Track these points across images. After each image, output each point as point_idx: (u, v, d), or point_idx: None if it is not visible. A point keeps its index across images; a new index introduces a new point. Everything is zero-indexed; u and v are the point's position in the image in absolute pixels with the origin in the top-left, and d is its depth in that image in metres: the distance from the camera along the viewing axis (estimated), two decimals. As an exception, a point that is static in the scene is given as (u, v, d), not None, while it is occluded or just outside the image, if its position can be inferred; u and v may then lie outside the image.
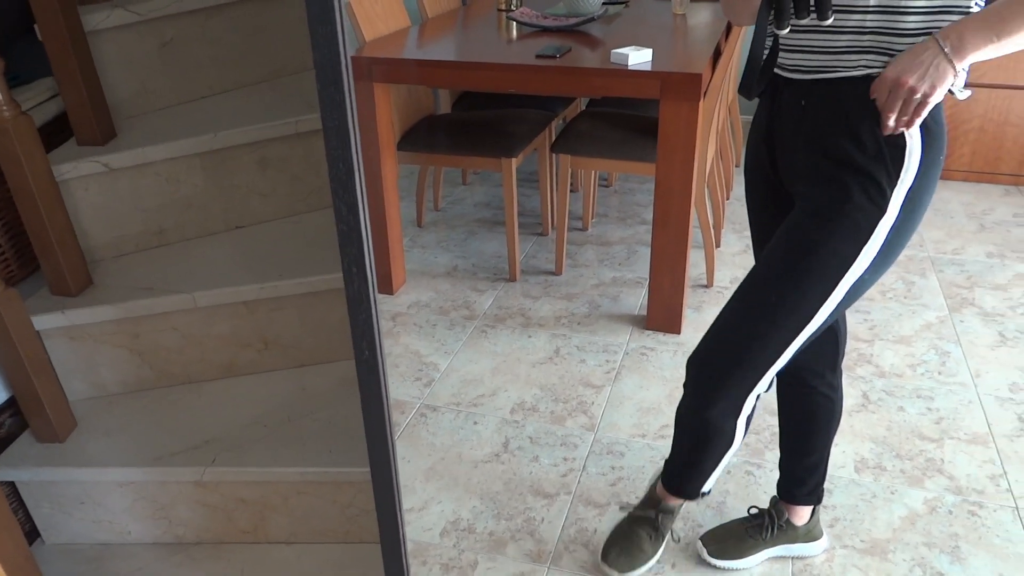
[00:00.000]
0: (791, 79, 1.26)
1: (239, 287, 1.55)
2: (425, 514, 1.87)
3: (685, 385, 1.46)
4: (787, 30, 1.08)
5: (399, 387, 2.33)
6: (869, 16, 1.15)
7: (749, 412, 1.45)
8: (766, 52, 1.26)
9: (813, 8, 1.05)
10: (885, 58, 1.16)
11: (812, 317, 1.27)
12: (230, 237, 1.74)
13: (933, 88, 1.10)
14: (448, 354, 2.50)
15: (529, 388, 2.32)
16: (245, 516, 1.52)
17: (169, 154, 1.61)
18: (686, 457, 1.56)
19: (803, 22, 1.06)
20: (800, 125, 1.27)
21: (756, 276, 1.32)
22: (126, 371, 1.59)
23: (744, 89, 1.25)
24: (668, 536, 1.73)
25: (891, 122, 1.14)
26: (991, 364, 2.40)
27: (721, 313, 1.38)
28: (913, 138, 1.17)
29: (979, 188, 3.74)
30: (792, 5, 1.04)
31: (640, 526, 1.69)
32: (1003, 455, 2.02)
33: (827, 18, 1.05)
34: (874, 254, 1.23)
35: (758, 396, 1.41)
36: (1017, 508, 1.86)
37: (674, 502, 1.68)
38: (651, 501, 1.70)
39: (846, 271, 1.23)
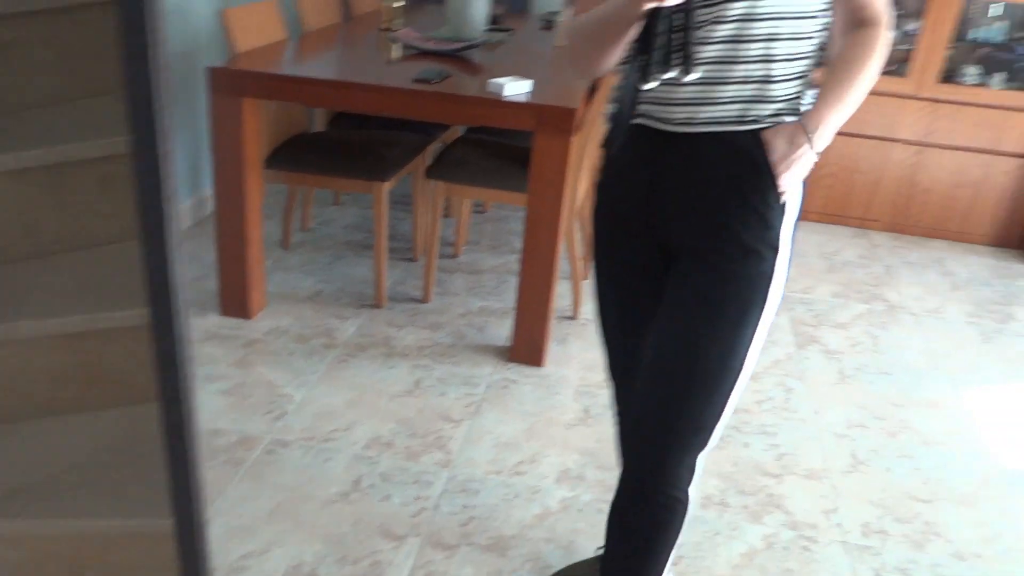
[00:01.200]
0: (678, 133, 1.23)
1: (66, 317, 1.44)
2: (266, 559, 1.78)
3: (630, 477, 1.33)
4: (653, 85, 1.09)
5: (248, 420, 2.23)
6: (753, 66, 1.17)
7: None
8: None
9: (679, 62, 1.06)
10: (768, 106, 1.20)
11: (745, 360, 1.28)
12: (63, 260, 1.62)
13: (797, 185, 1.23)
14: (304, 385, 2.42)
15: (386, 422, 2.28)
16: (59, 574, 1.40)
17: (-10, 171, 1.47)
18: (644, 558, 1.38)
19: (667, 77, 1.07)
20: (694, 181, 1.24)
21: (683, 336, 1.27)
22: (-75, 411, 1.44)
23: (609, 143, 1.23)
24: None
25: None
26: (830, 400, 2.53)
27: (655, 385, 1.29)
28: None
29: (831, 229, 3.97)
30: (659, 61, 1.05)
31: None
32: (836, 490, 2.13)
33: (691, 74, 1.06)
34: (780, 290, 1.29)
35: None
36: (846, 542, 1.96)
37: None
38: None
39: (763, 312, 1.27)
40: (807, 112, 1.21)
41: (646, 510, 1.33)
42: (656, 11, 1.01)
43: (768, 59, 1.17)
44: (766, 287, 1.25)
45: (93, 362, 1.52)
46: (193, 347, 2.56)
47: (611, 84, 2.64)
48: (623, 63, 1.25)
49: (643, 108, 1.25)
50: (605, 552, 1.44)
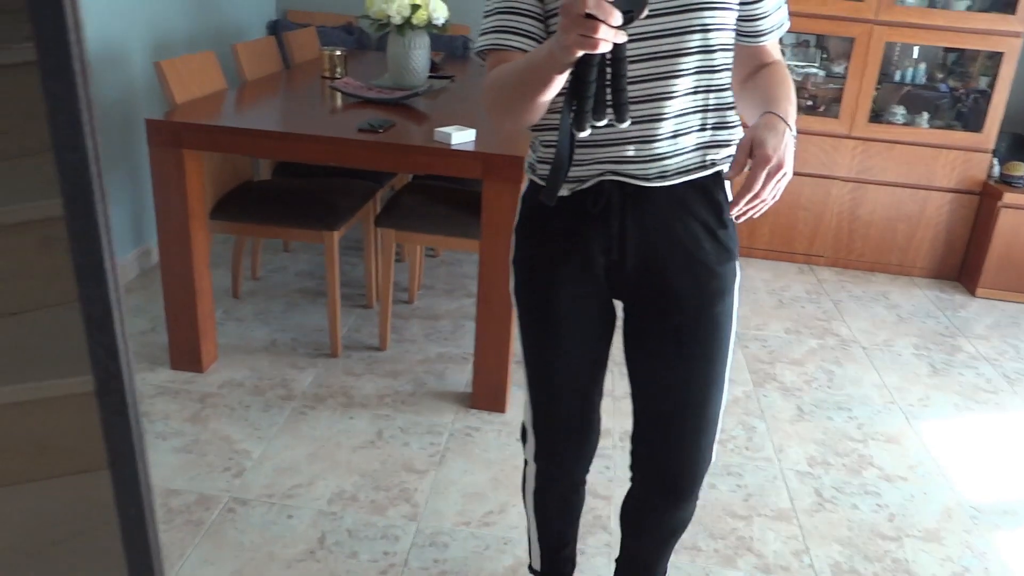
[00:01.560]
0: (646, 188, 1.24)
1: (9, 386, 1.36)
2: (229, 628, 1.70)
3: (668, 488, 1.43)
4: (588, 132, 1.08)
5: (205, 479, 2.14)
6: (709, 114, 1.23)
7: None
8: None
9: (610, 109, 1.05)
10: (724, 151, 1.26)
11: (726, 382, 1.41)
12: (4, 325, 1.54)
13: (791, 165, 1.15)
14: (262, 440, 2.33)
15: (349, 475, 2.21)
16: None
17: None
18: (668, 549, 1.60)
19: (600, 124, 1.07)
20: (671, 228, 1.26)
21: (689, 380, 1.34)
22: None
23: (549, 195, 1.15)
24: None
25: (754, 207, 1.14)
26: (792, 438, 2.55)
27: (676, 421, 1.36)
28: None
29: (777, 266, 4.05)
30: (591, 108, 1.04)
31: None
32: (804, 530, 2.14)
33: (625, 121, 1.06)
34: (737, 308, 1.38)
35: None
36: (818, 582, 1.96)
37: None
38: None
39: (732, 335, 1.37)
40: (766, 110, 1.19)
41: (680, 512, 1.49)
42: (586, 59, 1.00)
43: (724, 106, 1.25)
44: (734, 311, 1.37)
45: (42, 431, 1.43)
46: (144, 403, 2.46)
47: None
48: (550, 112, 1.26)
49: (609, 167, 1.24)
50: (625, 550, 1.62)
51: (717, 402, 1.37)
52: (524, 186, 1.40)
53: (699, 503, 2.20)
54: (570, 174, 1.27)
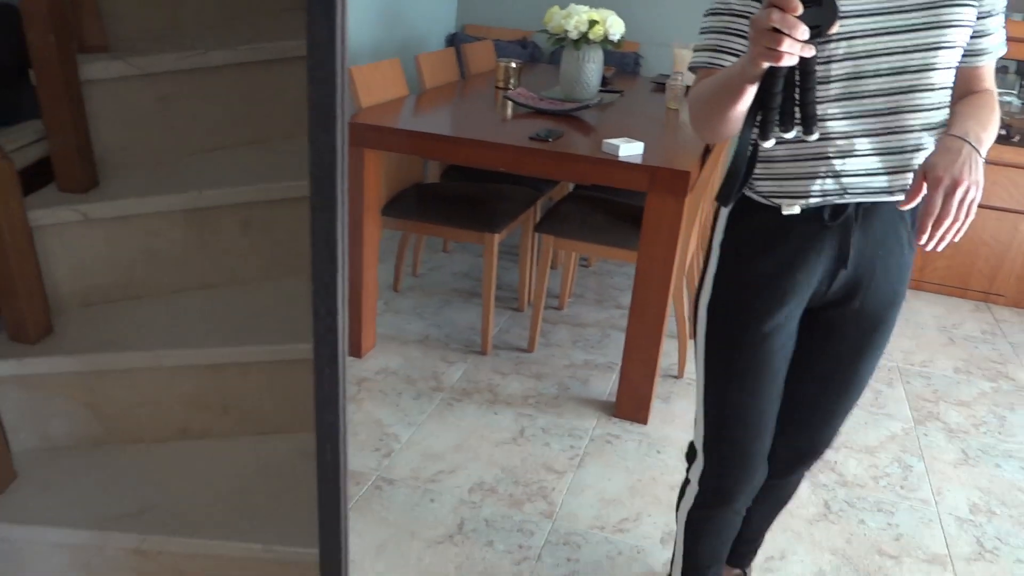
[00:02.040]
0: (875, 203, 1.27)
1: (207, 349, 1.52)
2: (371, 595, 1.81)
3: (793, 460, 1.55)
4: (772, 143, 1.09)
5: (357, 456, 2.29)
6: (914, 135, 1.22)
7: None
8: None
9: (799, 121, 1.06)
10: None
11: None
12: (205, 296, 1.72)
13: (979, 184, 1.11)
14: (411, 425, 2.46)
15: (490, 468, 2.29)
16: (186, 587, 1.46)
17: (149, 209, 1.60)
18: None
19: (788, 136, 1.07)
20: (880, 245, 1.30)
21: (853, 379, 1.44)
22: (77, 425, 1.55)
23: (723, 198, 1.23)
24: None
25: (945, 231, 1.13)
26: (953, 482, 2.40)
27: (831, 405, 1.47)
28: None
29: (950, 301, 3.81)
30: (778, 118, 1.05)
31: None
32: (960, 579, 2.01)
33: (812, 133, 1.06)
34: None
35: None
36: (971, 636, 1.84)
37: None
38: None
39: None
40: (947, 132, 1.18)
41: (800, 478, 1.64)
42: (774, 71, 1.02)
43: (932, 127, 1.23)
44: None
45: (228, 392, 1.60)
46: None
47: (725, 147, 2.64)
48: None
49: (845, 181, 1.24)
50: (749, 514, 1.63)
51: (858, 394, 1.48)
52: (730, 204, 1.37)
53: (845, 536, 2.11)
54: (805, 188, 1.27)
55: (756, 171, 1.31)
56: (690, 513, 1.57)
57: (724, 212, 1.38)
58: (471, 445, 2.39)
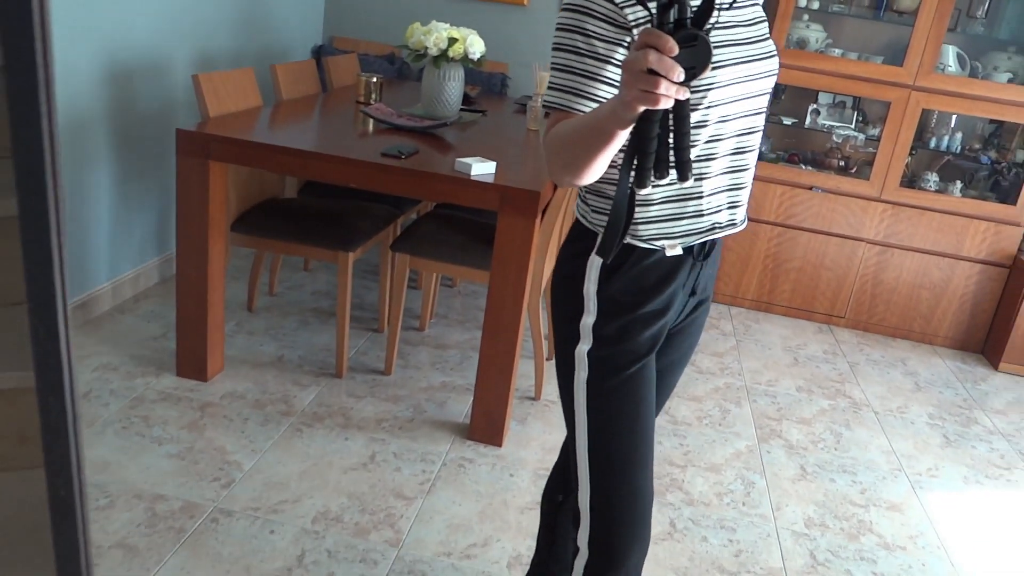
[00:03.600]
0: (716, 239, 1.35)
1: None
2: (195, 637, 1.69)
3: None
4: (648, 189, 1.07)
5: (193, 487, 2.15)
6: (745, 174, 1.31)
7: None
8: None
9: (673, 166, 1.04)
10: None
11: None
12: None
13: None
14: (255, 452, 2.34)
15: (337, 496, 2.20)
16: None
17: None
18: None
19: (663, 182, 1.05)
20: (712, 266, 1.40)
21: (669, 392, 1.53)
22: None
23: (605, 252, 1.14)
24: None
25: None
26: (791, 497, 2.50)
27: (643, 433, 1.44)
28: None
29: (796, 323, 4.00)
30: (652, 165, 1.02)
31: None
32: (794, 592, 2.08)
33: (687, 178, 1.04)
34: None
35: None
36: (802, 648, 1.90)
37: None
38: None
39: None
40: None
41: None
42: (648, 115, 0.99)
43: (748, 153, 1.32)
44: None
45: (25, 421, 1.45)
46: (144, 407, 2.48)
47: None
48: (609, 168, 1.26)
49: (712, 219, 1.30)
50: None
51: None
52: (581, 244, 1.35)
53: (688, 554, 2.15)
54: (683, 228, 1.29)
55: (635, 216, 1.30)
56: None
57: (593, 260, 1.32)
58: (318, 472, 2.29)
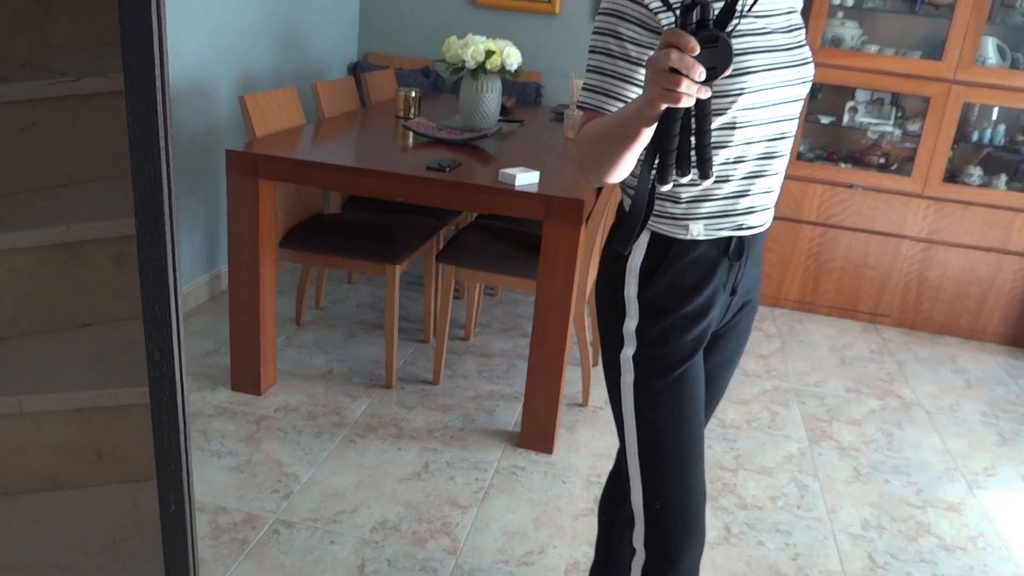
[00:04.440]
0: (754, 235, 1.35)
1: (73, 392, 1.43)
2: (265, 646, 1.73)
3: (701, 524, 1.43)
4: (670, 186, 1.10)
5: (254, 499, 2.20)
6: (774, 179, 1.33)
7: None
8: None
9: (695, 164, 1.06)
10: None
11: None
12: (76, 335, 1.62)
13: None
14: (312, 464, 2.38)
15: (393, 505, 2.23)
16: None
17: (14, 244, 1.50)
18: None
19: (684, 180, 1.07)
20: (755, 267, 1.42)
21: (720, 394, 1.53)
22: (-67, 480, 1.42)
23: (622, 243, 1.16)
24: None
25: None
26: (846, 499, 2.48)
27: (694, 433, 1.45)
28: None
29: (840, 323, 3.97)
30: (674, 162, 1.04)
31: None
32: (854, 594, 2.06)
33: (709, 177, 1.06)
34: None
35: None
36: (865, 650, 1.88)
37: None
38: None
39: None
40: None
41: None
42: (671, 113, 1.01)
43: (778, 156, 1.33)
44: None
45: (99, 438, 1.50)
46: (202, 422, 2.54)
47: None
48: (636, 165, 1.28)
49: (742, 219, 1.31)
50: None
51: None
52: (640, 237, 1.35)
53: (745, 558, 2.15)
54: (709, 231, 1.31)
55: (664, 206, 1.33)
56: None
57: (632, 264, 1.34)
58: (374, 482, 2.33)
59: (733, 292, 1.37)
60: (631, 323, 1.35)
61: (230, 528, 2.07)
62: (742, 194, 1.29)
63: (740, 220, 1.31)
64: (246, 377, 2.72)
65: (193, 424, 2.52)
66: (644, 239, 1.33)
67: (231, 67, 3.42)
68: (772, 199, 1.34)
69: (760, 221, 1.34)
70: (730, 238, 1.31)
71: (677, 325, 1.33)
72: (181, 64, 3.07)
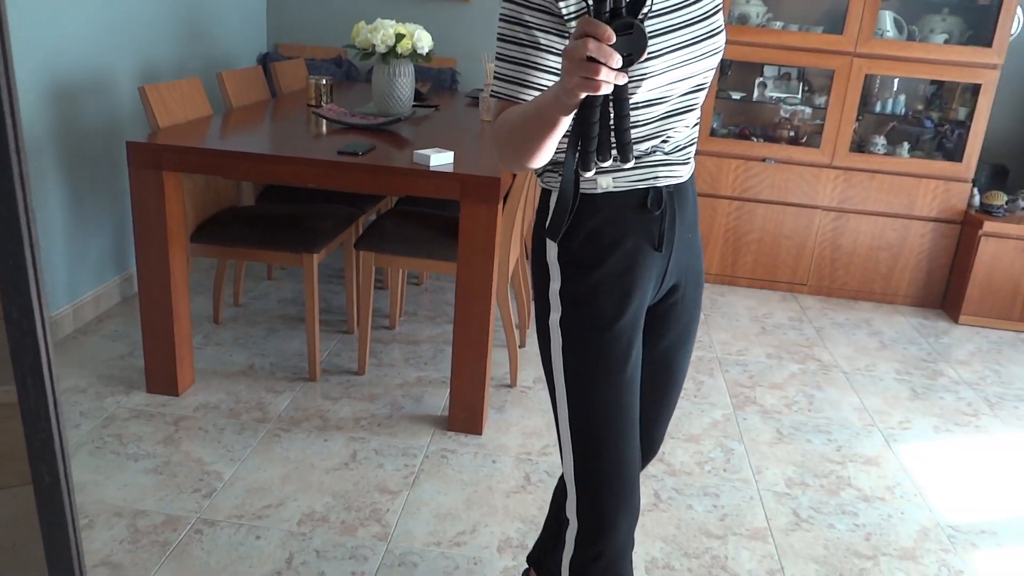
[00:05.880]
0: (671, 187, 1.32)
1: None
2: (189, 647, 1.67)
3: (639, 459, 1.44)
4: (592, 172, 1.10)
5: (174, 500, 2.12)
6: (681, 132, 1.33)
7: None
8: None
9: (615, 147, 1.06)
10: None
11: None
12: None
13: None
14: (234, 461, 2.32)
15: (321, 496, 2.19)
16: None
17: None
18: None
19: (605, 164, 1.08)
20: (689, 222, 1.38)
21: (685, 362, 1.50)
22: None
23: (553, 232, 1.17)
24: None
25: None
26: (770, 460, 2.54)
27: (669, 400, 1.52)
28: None
29: (760, 294, 4.06)
30: (595, 148, 1.05)
31: None
32: (780, 549, 2.11)
33: (629, 160, 1.07)
34: None
35: None
36: (793, 602, 1.93)
37: None
38: None
39: None
40: None
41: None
42: (589, 100, 1.02)
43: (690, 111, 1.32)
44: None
45: None
46: (116, 426, 2.44)
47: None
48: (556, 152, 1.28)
49: (654, 171, 1.30)
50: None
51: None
52: (553, 203, 1.34)
53: (675, 522, 2.18)
54: (620, 183, 1.30)
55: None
56: (573, 558, 1.41)
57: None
58: (300, 475, 2.28)
59: (659, 247, 1.32)
60: (555, 286, 1.34)
61: (150, 531, 2.00)
62: (650, 152, 1.29)
63: (652, 171, 1.30)
64: (161, 378, 2.63)
65: (108, 428, 2.42)
66: (554, 200, 1.32)
67: (131, 58, 3.29)
68: (688, 153, 1.33)
69: (675, 173, 1.32)
70: (647, 190, 1.30)
71: (599, 286, 1.31)
72: (76, 55, 2.94)
